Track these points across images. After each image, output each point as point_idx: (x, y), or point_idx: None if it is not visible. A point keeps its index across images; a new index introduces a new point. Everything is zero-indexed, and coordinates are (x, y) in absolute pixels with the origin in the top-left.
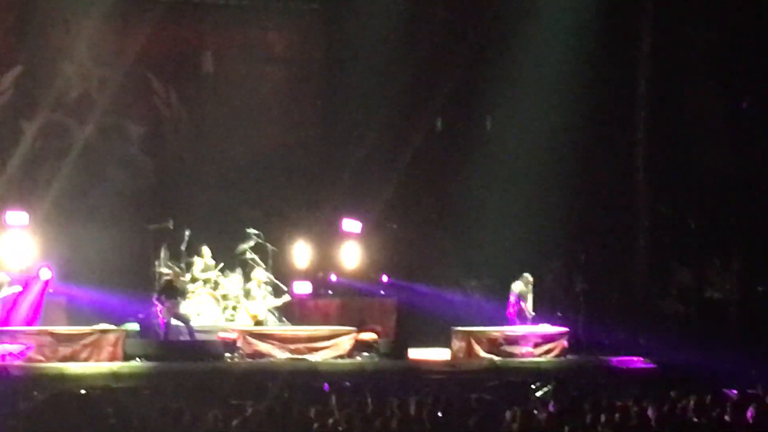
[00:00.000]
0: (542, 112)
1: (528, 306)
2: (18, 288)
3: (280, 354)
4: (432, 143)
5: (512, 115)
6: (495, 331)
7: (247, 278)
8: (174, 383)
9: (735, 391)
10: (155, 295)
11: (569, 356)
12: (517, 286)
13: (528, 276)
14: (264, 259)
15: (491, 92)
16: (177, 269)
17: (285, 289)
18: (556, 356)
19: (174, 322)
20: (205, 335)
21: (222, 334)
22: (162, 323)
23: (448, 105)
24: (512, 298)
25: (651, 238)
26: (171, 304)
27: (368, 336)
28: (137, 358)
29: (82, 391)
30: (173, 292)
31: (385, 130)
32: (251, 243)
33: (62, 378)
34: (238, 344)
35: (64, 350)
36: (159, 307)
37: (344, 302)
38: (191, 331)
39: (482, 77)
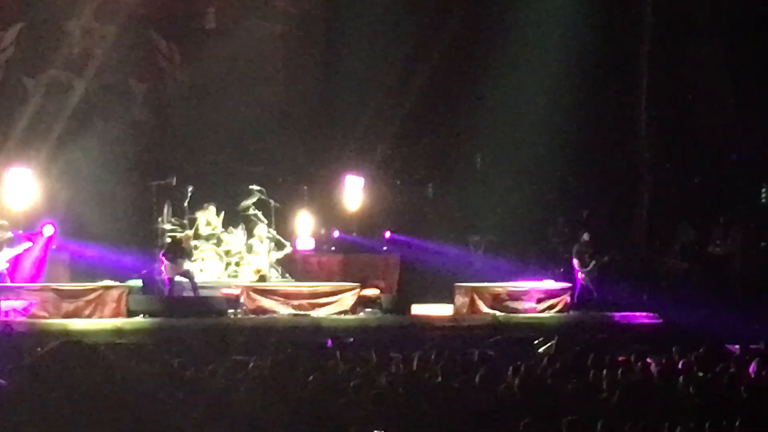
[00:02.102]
0: (546, 70)
1: (581, 263)
2: (28, 244)
3: (283, 310)
4: (436, 99)
5: (516, 72)
6: (498, 286)
7: (250, 234)
8: (177, 339)
9: (737, 347)
10: (161, 252)
11: (572, 312)
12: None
13: (584, 235)
14: (267, 215)
15: (495, 49)
16: (188, 232)
17: (287, 243)
18: (559, 312)
19: (177, 278)
20: (209, 291)
21: (225, 290)
22: (166, 280)
23: (452, 60)
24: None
25: (654, 194)
26: (176, 263)
27: (371, 292)
28: (141, 315)
29: (87, 344)
30: (180, 252)
31: (388, 85)
32: (254, 199)
33: (66, 334)
34: (242, 300)
35: (68, 306)
36: (163, 263)
37: (347, 258)
38: (195, 287)
39: (485, 33)
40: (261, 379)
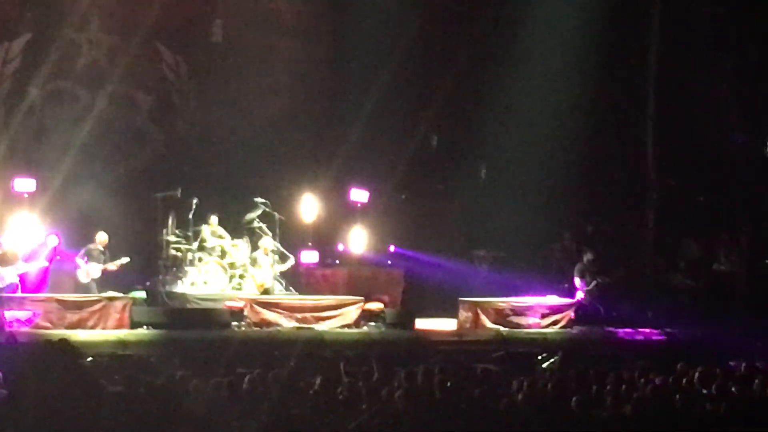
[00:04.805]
0: (552, 85)
1: (582, 282)
2: (44, 263)
3: (286, 323)
4: (442, 113)
5: (523, 87)
6: (502, 301)
7: (254, 247)
8: (181, 351)
9: (742, 364)
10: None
11: (576, 327)
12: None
13: (587, 254)
14: (271, 228)
15: (501, 62)
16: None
17: (291, 256)
18: (563, 327)
19: (182, 289)
20: (213, 303)
21: (229, 303)
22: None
23: (459, 76)
24: None
25: (659, 211)
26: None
27: (375, 306)
28: (144, 326)
29: (89, 359)
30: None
31: (394, 100)
32: (259, 212)
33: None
34: (245, 313)
35: (72, 317)
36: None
37: (351, 272)
38: None
39: (492, 45)
40: (264, 392)
